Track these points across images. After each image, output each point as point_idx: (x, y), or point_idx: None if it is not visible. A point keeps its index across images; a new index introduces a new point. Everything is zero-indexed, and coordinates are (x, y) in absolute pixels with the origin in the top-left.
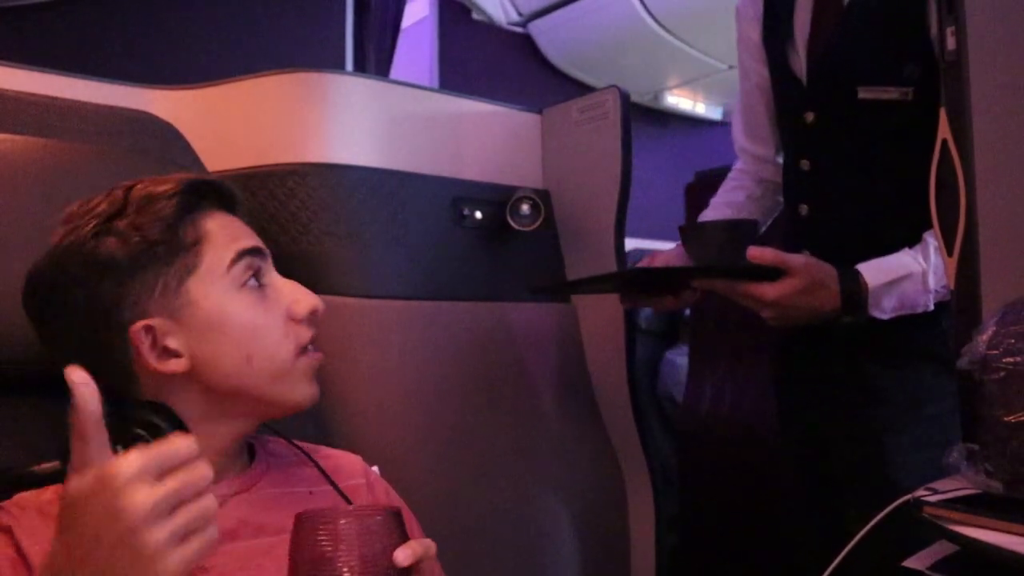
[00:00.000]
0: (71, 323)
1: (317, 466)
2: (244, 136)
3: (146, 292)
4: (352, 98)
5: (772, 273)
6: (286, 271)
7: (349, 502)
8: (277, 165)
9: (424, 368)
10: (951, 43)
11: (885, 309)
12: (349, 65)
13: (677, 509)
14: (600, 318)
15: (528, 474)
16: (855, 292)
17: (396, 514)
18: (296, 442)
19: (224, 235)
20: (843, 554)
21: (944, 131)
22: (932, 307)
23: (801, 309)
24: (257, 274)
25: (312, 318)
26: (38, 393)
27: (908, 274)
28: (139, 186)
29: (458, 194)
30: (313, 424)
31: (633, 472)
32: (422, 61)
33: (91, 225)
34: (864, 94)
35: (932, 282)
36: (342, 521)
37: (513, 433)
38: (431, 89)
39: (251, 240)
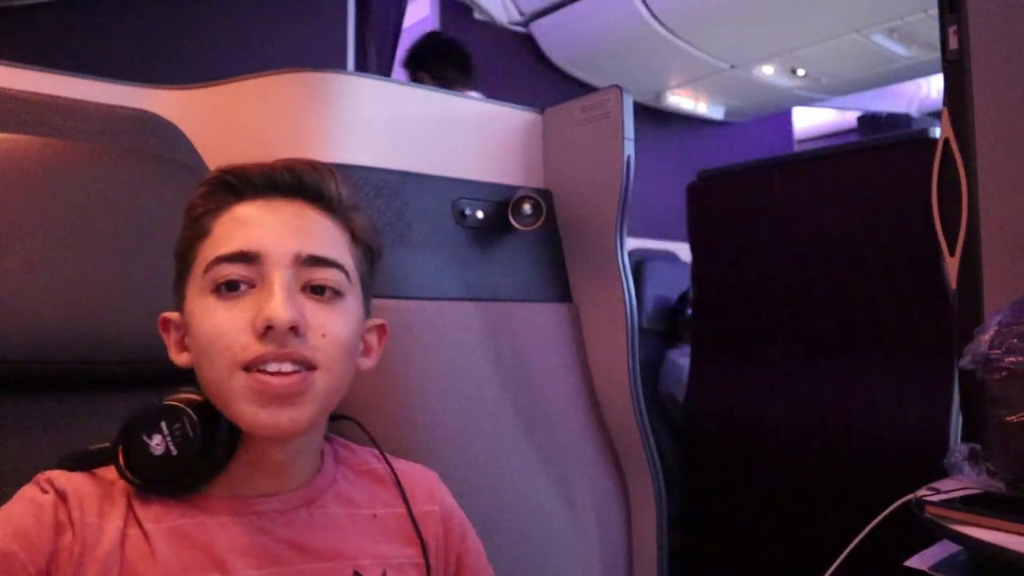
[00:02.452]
0: None
1: (401, 491)
2: (246, 136)
3: (178, 282)
4: (354, 98)
5: None
6: None
7: (418, 531)
8: None
9: (425, 368)
10: (953, 42)
11: None
12: (351, 65)
13: (678, 509)
14: (602, 318)
15: (529, 474)
16: None
17: None
18: (385, 454)
19: (223, 233)
20: (844, 554)
21: (946, 130)
22: None
23: None
24: (233, 283)
25: (269, 334)
26: (38, 393)
27: None
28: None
29: (459, 194)
30: None
31: (635, 472)
32: None
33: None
34: None
35: None
36: None
37: (515, 433)
38: (432, 89)
39: (244, 242)
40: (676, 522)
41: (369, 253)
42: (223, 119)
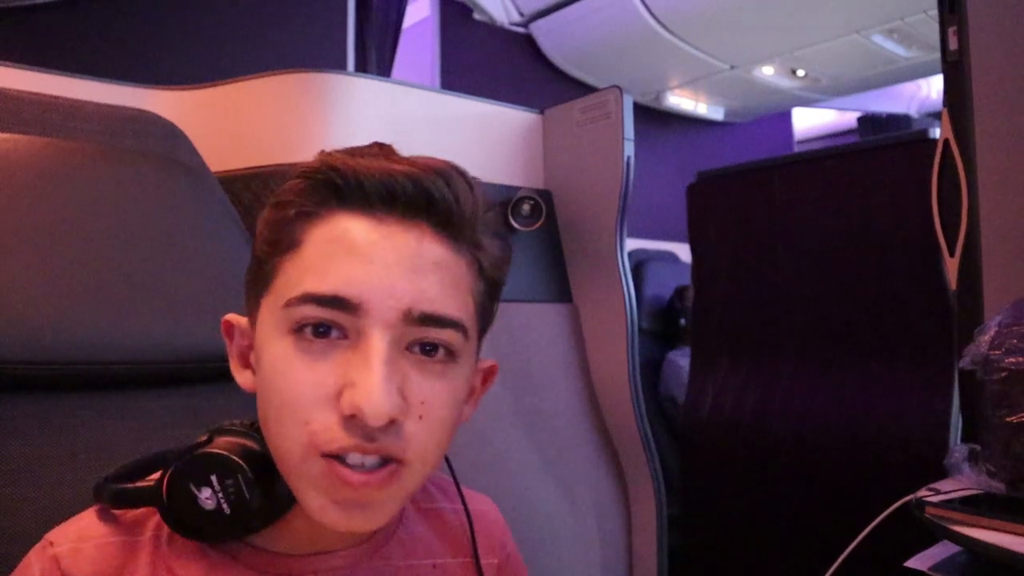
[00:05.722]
0: None
1: (472, 540)
2: (247, 136)
3: (251, 285)
4: (354, 98)
5: None
6: None
7: None
8: (280, 165)
9: None
10: (953, 43)
11: None
12: (351, 65)
13: (678, 510)
14: (602, 318)
15: (529, 474)
16: None
17: None
18: (463, 496)
19: (318, 255)
20: (844, 554)
21: (946, 131)
22: None
23: None
24: (325, 329)
25: (356, 425)
26: (38, 393)
27: None
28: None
29: None
30: None
31: (635, 473)
32: (423, 61)
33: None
34: None
35: None
36: None
37: (515, 433)
38: (432, 89)
39: (344, 283)
40: (676, 522)
41: (493, 288)
42: (223, 119)
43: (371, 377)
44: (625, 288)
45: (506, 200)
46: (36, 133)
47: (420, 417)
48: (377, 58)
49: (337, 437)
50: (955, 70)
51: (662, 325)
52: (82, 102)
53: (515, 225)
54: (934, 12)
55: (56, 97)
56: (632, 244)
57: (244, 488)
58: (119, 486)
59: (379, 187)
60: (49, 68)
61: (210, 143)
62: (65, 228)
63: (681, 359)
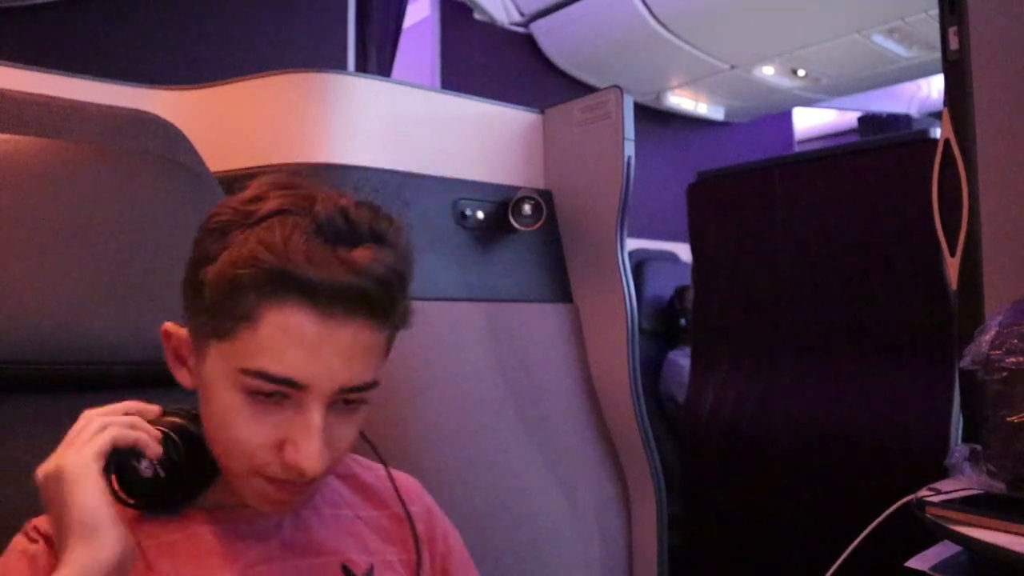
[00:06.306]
0: None
1: (398, 493)
2: (246, 136)
3: (197, 314)
4: (354, 98)
5: None
6: None
7: (412, 524)
8: (279, 165)
9: (426, 368)
10: (953, 43)
11: None
12: (351, 65)
13: (679, 510)
14: (602, 318)
15: (529, 474)
16: None
17: None
18: (384, 460)
19: (271, 339)
20: (844, 554)
21: (946, 130)
22: None
23: None
24: (271, 394)
25: (294, 471)
26: (38, 393)
27: None
28: (281, 210)
29: (460, 194)
30: None
31: (635, 472)
32: (424, 61)
33: (232, 207)
34: None
35: None
36: None
37: (516, 433)
38: (433, 89)
39: (294, 370)
40: (676, 522)
41: (400, 327)
42: (223, 119)
43: (311, 444)
44: (625, 288)
45: (506, 200)
46: (36, 133)
47: (336, 449)
48: (377, 58)
49: (276, 472)
50: (956, 70)
51: (662, 325)
52: (82, 102)
53: (515, 225)
54: (934, 12)
55: (56, 97)
56: (632, 244)
57: (174, 454)
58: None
59: (328, 290)
60: (49, 68)
61: (210, 143)
62: (65, 228)
63: (681, 359)
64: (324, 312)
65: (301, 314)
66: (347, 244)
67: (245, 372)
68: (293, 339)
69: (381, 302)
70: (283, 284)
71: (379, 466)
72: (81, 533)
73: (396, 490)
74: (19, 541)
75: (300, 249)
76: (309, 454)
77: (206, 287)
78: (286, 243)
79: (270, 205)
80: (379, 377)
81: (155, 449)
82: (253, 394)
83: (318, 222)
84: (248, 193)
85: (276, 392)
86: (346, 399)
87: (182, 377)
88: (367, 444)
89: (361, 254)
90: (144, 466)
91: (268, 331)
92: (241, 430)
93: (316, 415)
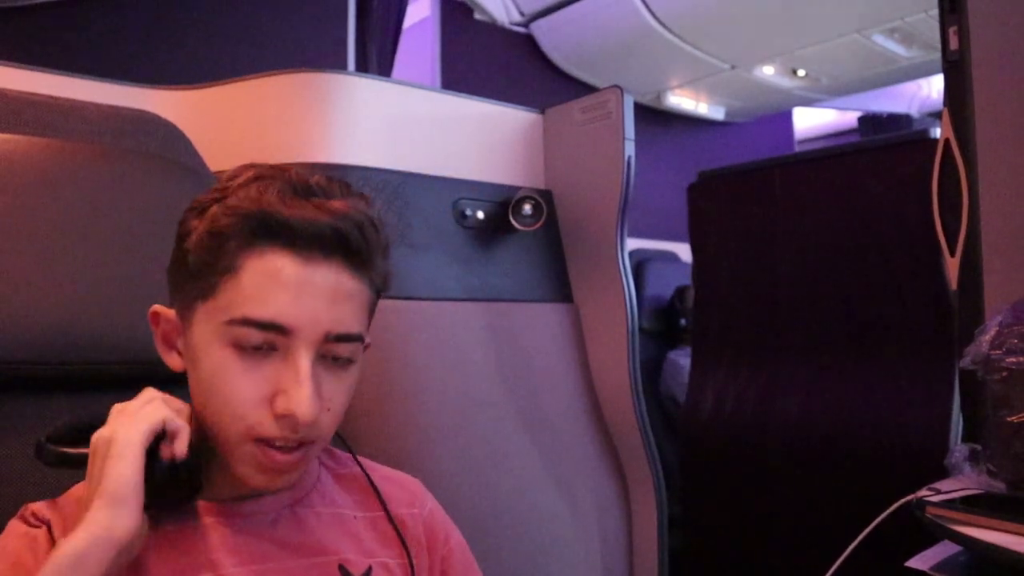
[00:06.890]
0: None
1: (377, 494)
2: (246, 136)
3: (181, 287)
4: (354, 98)
5: None
6: None
7: (397, 529)
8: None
9: (425, 368)
10: (953, 42)
11: None
12: (351, 65)
13: (679, 510)
14: (602, 318)
15: (529, 474)
16: None
17: None
18: (360, 459)
19: (254, 285)
20: (845, 554)
21: (946, 130)
22: None
23: None
24: (259, 347)
25: (286, 422)
26: (38, 393)
27: None
28: (256, 176)
29: (460, 194)
30: None
31: (635, 472)
32: (424, 61)
33: (212, 189)
34: None
35: None
36: None
37: (515, 433)
38: (433, 89)
39: (279, 313)
40: (676, 522)
41: (382, 291)
42: (223, 119)
43: (301, 390)
44: (626, 288)
45: (507, 200)
46: (36, 133)
47: (328, 409)
48: (377, 58)
49: (269, 429)
50: (956, 70)
51: (663, 325)
52: (82, 102)
53: (516, 225)
54: (934, 12)
55: (56, 97)
56: (633, 244)
57: (194, 457)
58: (61, 449)
59: (307, 232)
60: (49, 68)
61: (210, 143)
62: (65, 228)
63: (682, 359)
64: (303, 255)
65: (280, 258)
66: (322, 197)
67: (231, 323)
68: (275, 283)
69: (357, 244)
70: (261, 228)
71: (379, 467)
72: (107, 502)
73: (378, 493)
74: (17, 525)
75: (276, 198)
76: (300, 400)
77: (190, 254)
78: (262, 194)
79: (246, 175)
80: (364, 333)
81: (183, 445)
82: (241, 348)
83: (293, 184)
84: (225, 175)
85: (263, 344)
86: (334, 355)
87: (172, 360)
88: (356, 445)
89: (336, 202)
90: (167, 457)
91: (250, 277)
92: (232, 387)
93: (304, 361)
